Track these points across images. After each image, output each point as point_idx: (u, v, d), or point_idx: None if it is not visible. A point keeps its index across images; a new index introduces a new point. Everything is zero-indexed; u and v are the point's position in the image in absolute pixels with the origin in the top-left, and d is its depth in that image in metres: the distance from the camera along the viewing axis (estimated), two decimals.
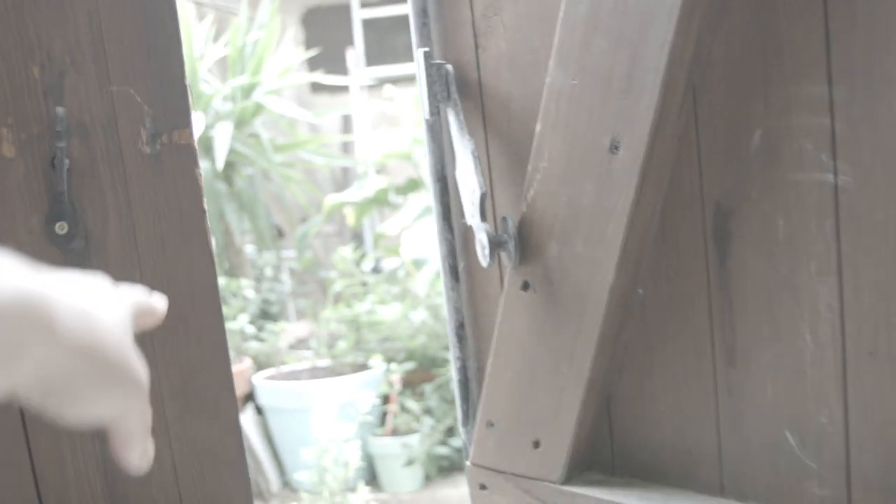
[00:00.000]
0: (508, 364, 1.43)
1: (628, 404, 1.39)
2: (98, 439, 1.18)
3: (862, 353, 1.15)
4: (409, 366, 3.99)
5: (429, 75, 1.42)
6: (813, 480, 1.22)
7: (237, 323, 4.29)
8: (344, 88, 6.63)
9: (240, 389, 4.08)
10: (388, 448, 3.82)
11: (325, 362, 4.20)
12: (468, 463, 1.53)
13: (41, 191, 1.13)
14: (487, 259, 1.36)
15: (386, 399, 3.98)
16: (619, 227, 1.27)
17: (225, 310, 4.26)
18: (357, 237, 6.10)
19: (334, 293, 4.68)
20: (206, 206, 1.22)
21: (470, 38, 1.44)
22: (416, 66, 1.43)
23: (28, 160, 1.12)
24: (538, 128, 1.33)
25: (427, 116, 1.43)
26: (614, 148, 1.25)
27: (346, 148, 6.41)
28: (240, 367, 4.10)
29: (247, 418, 4.03)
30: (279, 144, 4.94)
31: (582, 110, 1.27)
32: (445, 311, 1.55)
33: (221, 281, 4.51)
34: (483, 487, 1.50)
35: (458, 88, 1.44)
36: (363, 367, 4.08)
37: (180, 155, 1.21)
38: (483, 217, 1.36)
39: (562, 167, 1.31)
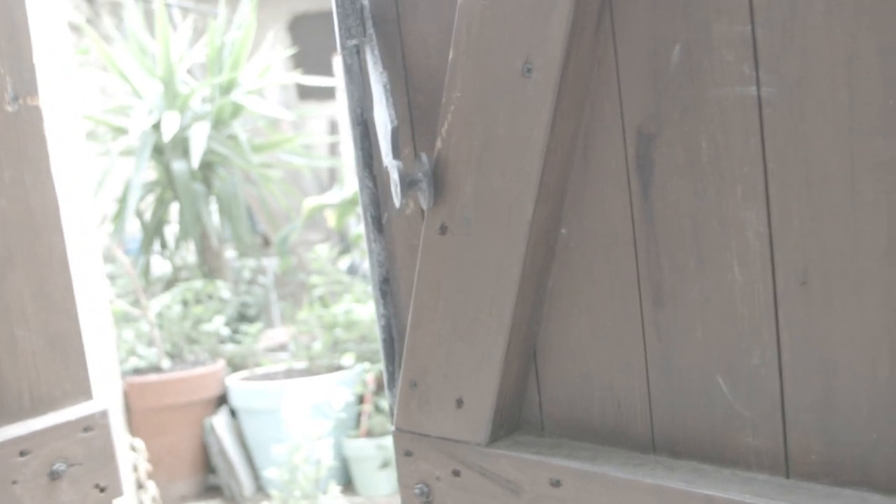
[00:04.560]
0: (429, 316, 1.33)
1: (556, 357, 1.29)
2: None
3: (794, 283, 1.05)
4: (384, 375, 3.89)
5: (342, 7, 1.33)
6: (747, 430, 1.12)
7: (212, 325, 4.20)
8: (331, 95, 6.57)
9: (213, 391, 3.98)
10: (362, 450, 3.71)
11: (301, 364, 4.10)
12: (393, 428, 1.43)
13: None
14: (399, 198, 1.26)
15: (361, 400, 3.87)
16: (536, 156, 1.17)
17: (200, 311, 4.18)
18: (343, 243, 6.01)
19: (315, 297, 4.58)
20: (49, 151, 1.64)
21: None
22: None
23: None
24: (451, 55, 1.23)
25: (339, 50, 1.34)
26: (527, 71, 1.15)
27: (334, 151, 6.34)
28: (213, 367, 4.00)
29: (219, 421, 3.93)
30: (257, 144, 4.87)
31: (494, 32, 1.18)
32: (368, 265, 1.45)
33: (198, 283, 4.43)
34: (408, 454, 1.40)
35: (376, 25, 1.35)
36: (339, 368, 3.97)
37: (31, 113, 1.62)
38: (396, 154, 1.27)
39: (476, 96, 1.21)
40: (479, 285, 1.26)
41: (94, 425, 1.67)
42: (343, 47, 1.37)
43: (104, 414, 1.69)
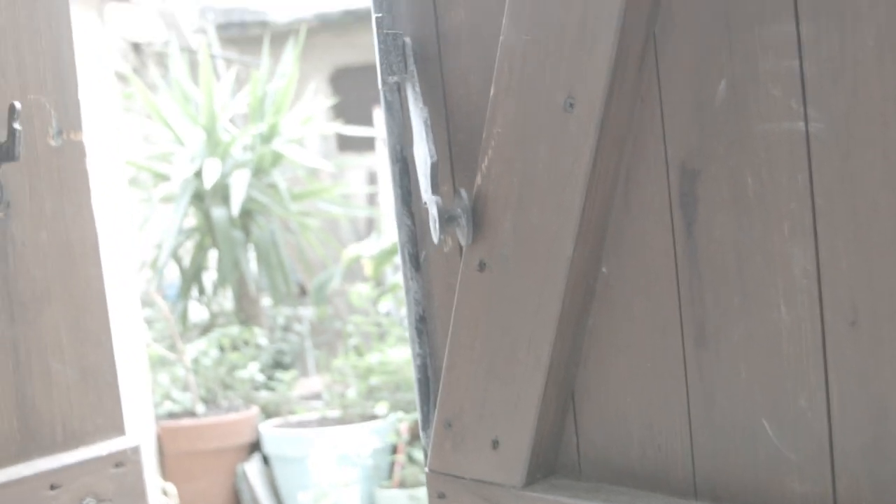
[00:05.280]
0: (465, 355, 1.31)
1: (594, 398, 1.26)
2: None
3: (842, 323, 1.02)
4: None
5: (384, 44, 1.33)
6: (793, 475, 1.08)
7: (247, 371, 4.19)
8: (371, 147, 6.62)
9: (246, 437, 3.96)
10: (395, 500, 3.66)
11: (335, 412, 4.08)
12: (427, 470, 1.40)
13: None
14: (438, 234, 1.25)
15: (394, 450, 3.83)
16: (576, 192, 1.16)
17: (235, 357, 4.18)
18: (384, 291, 6.00)
19: (351, 345, 4.57)
20: (90, 185, 1.63)
21: (430, 8, 1.35)
22: (373, 34, 1.35)
23: None
24: (492, 92, 1.23)
25: (380, 85, 1.35)
26: (569, 105, 1.15)
27: (372, 201, 6.37)
28: (246, 414, 3.99)
29: (252, 467, 3.90)
30: (296, 193, 4.90)
31: (535, 67, 1.18)
32: (405, 303, 1.44)
33: (234, 329, 4.43)
34: (441, 497, 1.37)
35: (418, 63, 1.35)
36: (373, 416, 3.94)
37: (75, 148, 1.62)
38: (435, 189, 1.26)
39: (516, 131, 1.21)
40: (517, 323, 1.24)
41: (125, 461, 1.66)
42: (384, 83, 1.37)
43: (136, 450, 1.68)
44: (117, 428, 1.71)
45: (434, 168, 1.25)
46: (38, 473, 1.55)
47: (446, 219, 1.26)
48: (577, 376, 1.26)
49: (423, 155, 1.27)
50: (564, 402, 1.27)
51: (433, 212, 1.25)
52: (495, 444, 1.29)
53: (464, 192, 1.27)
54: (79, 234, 1.67)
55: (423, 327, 1.43)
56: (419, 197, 1.39)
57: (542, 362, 1.22)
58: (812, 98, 1.01)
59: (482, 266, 1.27)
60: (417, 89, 1.32)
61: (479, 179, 1.26)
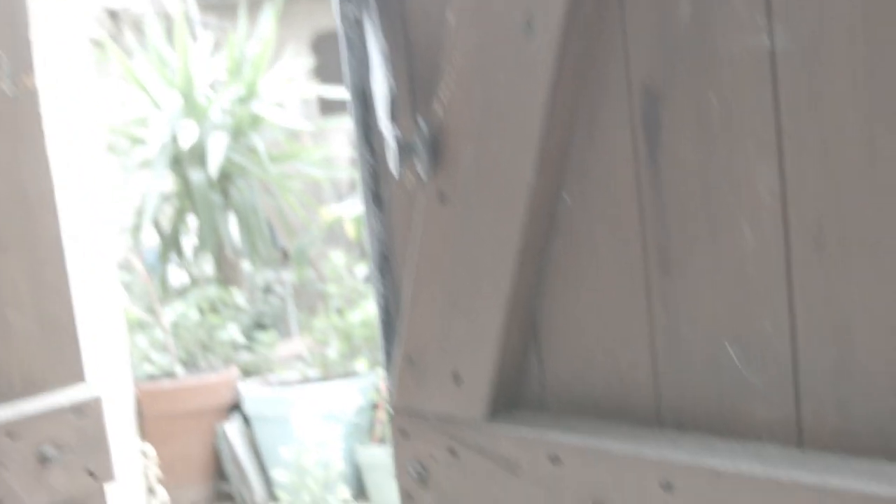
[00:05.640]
0: (428, 289, 1.28)
1: (558, 330, 1.23)
2: None
3: (808, 244, 1.00)
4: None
5: None
6: (758, 400, 1.06)
7: (227, 333, 4.17)
8: None
9: (226, 398, 3.94)
10: (375, 457, 3.65)
11: (315, 372, 4.06)
12: (390, 410, 1.38)
13: None
14: (397, 166, 1.22)
15: (375, 407, 3.82)
16: (536, 118, 1.12)
17: (215, 319, 4.15)
18: (362, 253, 5.97)
19: (332, 307, 4.54)
20: (45, 133, 1.62)
21: None
22: None
23: None
24: (451, 19, 1.19)
25: (338, 20, 1.31)
26: (528, 26, 1.11)
27: (355, 163, 6.33)
28: (226, 375, 3.96)
29: (232, 428, 3.89)
30: (276, 155, 4.85)
31: None
32: (367, 242, 1.41)
33: (213, 291, 4.40)
34: (404, 434, 1.35)
35: None
36: (354, 374, 3.93)
37: (28, 95, 1.60)
38: (394, 121, 1.22)
39: (476, 57, 1.17)
40: (479, 255, 1.21)
41: (86, 411, 1.63)
42: (343, 17, 1.33)
43: (97, 400, 1.65)
44: (78, 377, 1.68)
45: (393, 100, 1.21)
46: None
47: (405, 150, 1.22)
48: (540, 308, 1.24)
49: (382, 88, 1.23)
50: (527, 334, 1.25)
51: (392, 143, 1.22)
52: (457, 378, 1.26)
53: (423, 122, 1.23)
54: (34, 183, 1.63)
55: (386, 266, 1.40)
56: (381, 134, 1.36)
57: (503, 294, 1.19)
58: (778, 12, 0.98)
59: (443, 198, 1.24)
60: (376, 20, 1.28)
61: (439, 109, 1.22)
